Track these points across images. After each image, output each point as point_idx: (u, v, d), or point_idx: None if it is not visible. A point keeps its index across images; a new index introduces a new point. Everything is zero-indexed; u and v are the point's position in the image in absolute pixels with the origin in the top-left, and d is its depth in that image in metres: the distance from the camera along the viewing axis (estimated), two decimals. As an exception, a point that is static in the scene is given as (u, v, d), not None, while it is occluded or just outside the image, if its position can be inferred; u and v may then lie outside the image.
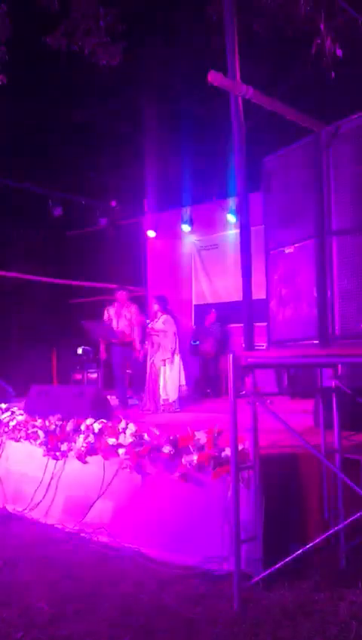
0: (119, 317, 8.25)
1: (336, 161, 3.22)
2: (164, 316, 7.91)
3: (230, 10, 4.06)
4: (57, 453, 5.18)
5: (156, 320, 7.96)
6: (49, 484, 5.19)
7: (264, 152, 3.80)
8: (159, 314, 7.95)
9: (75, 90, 12.33)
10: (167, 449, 4.35)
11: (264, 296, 3.71)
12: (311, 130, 3.70)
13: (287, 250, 3.40)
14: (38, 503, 5.18)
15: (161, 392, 7.65)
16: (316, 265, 3.22)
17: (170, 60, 11.74)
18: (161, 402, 7.60)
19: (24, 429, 5.62)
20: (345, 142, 3.19)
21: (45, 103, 12.29)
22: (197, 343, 9.83)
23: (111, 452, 4.72)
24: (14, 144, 12.23)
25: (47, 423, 5.42)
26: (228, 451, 3.84)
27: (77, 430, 5.14)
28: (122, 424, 4.90)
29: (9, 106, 10.60)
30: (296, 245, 3.34)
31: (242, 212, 3.94)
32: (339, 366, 4.27)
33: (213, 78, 3.63)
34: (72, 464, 5.08)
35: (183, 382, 7.91)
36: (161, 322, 7.87)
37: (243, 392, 3.79)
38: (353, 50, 6.74)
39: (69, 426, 5.21)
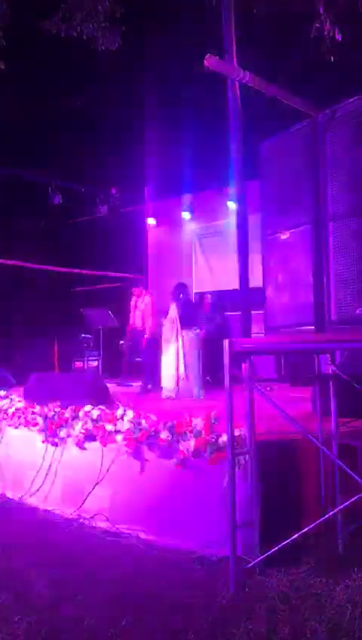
0: (135, 309, 8.95)
1: (333, 146, 3.19)
2: (173, 304, 8.08)
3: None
4: (56, 440, 5.20)
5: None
6: (48, 470, 5.21)
7: (265, 138, 3.77)
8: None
9: (74, 76, 12.23)
10: (164, 435, 4.36)
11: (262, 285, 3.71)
12: (310, 114, 3.66)
13: (283, 236, 3.39)
14: (38, 489, 5.21)
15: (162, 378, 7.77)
16: (312, 250, 3.20)
17: (169, 45, 11.62)
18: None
19: (23, 415, 5.63)
20: (342, 126, 3.16)
21: (44, 90, 12.19)
22: (197, 330, 9.82)
23: (109, 438, 4.74)
24: (13, 131, 12.16)
25: (45, 410, 5.43)
26: (225, 437, 3.84)
27: (75, 417, 5.15)
28: (120, 410, 4.91)
29: (7, 92, 10.53)
30: (292, 231, 3.33)
31: (239, 198, 3.92)
32: (338, 352, 4.27)
33: (210, 62, 3.59)
34: (71, 450, 5.09)
35: (182, 371, 7.92)
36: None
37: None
38: (352, 33, 6.66)
39: (68, 413, 5.22)
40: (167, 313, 8.15)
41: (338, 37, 6.26)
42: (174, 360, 7.79)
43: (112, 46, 7.81)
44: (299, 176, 3.33)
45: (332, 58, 6.60)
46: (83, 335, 11.88)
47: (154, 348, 8.49)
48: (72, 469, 5.07)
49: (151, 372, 8.60)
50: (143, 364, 8.80)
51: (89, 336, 11.78)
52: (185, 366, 7.87)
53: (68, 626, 3.07)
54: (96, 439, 4.86)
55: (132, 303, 9.04)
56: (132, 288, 9.30)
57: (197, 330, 9.41)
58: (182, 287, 8.54)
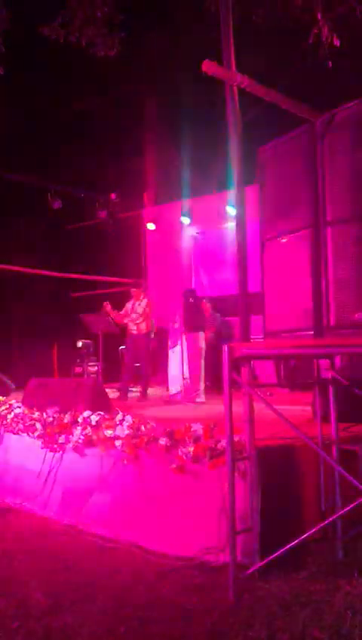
0: (133, 311, 8.63)
1: (331, 151, 3.20)
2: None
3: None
4: (55, 446, 5.19)
5: None
6: (47, 476, 5.20)
7: (263, 143, 3.78)
8: None
9: (74, 82, 12.28)
10: (163, 441, 4.34)
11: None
12: (308, 119, 3.66)
13: (282, 241, 3.39)
14: (36, 495, 5.19)
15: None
16: (311, 255, 3.20)
17: (168, 50, 11.67)
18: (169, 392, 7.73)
19: (22, 421, 5.62)
20: (340, 130, 3.16)
21: (44, 95, 12.24)
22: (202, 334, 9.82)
23: (108, 444, 4.72)
24: (13, 137, 12.19)
25: (44, 416, 5.42)
26: (224, 442, 3.83)
27: (74, 422, 5.14)
28: (119, 416, 4.90)
29: (7, 98, 10.56)
30: (291, 235, 3.33)
31: (238, 203, 3.92)
32: (338, 357, 4.26)
33: (208, 67, 3.60)
34: (70, 456, 5.08)
35: (186, 374, 7.91)
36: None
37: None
38: (351, 39, 6.69)
39: (67, 419, 5.21)
40: (175, 318, 8.16)
41: (337, 42, 6.28)
42: (179, 363, 7.80)
43: (111, 52, 7.81)
44: (298, 180, 3.33)
45: (330, 64, 6.63)
46: (82, 340, 11.87)
47: (139, 350, 8.50)
48: (71, 475, 5.05)
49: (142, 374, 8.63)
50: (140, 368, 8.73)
51: (88, 341, 11.77)
52: (189, 369, 7.88)
53: (67, 633, 3.05)
54: (96, 445, 4.84)
55: (128, 304, 8.71)
56: (131, 289, 8.94)
57: (202, 334, 9.44)
58: (190, 293, 8.51)
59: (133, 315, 8.55)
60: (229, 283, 10.64)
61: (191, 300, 8.34)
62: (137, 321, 8.52)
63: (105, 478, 4.73)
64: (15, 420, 5.72)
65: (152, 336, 9.94)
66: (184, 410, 6.88)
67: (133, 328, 8.58)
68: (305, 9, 6.53)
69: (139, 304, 8.63)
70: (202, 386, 7.90)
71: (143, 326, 8.54)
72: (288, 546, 3.49)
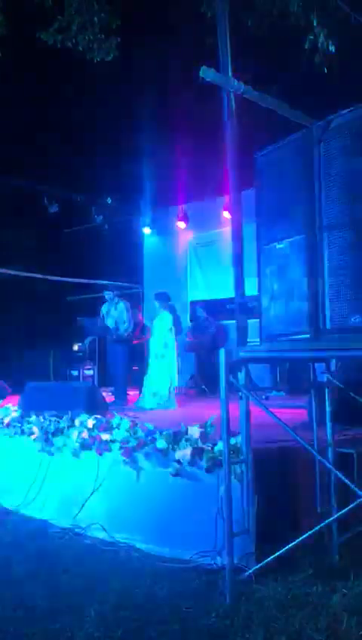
0: (108, 315, 8.53)
1: (327, 157, 3.23)
2: (161, 313, 8.01)
3: (222, 4, 4.07)
4: (52, 449, 5.20)
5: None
6: (44, 479, 5.20)
7: (261, 148, 3.81)
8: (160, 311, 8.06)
9: (71, 87, 12.31)
10: (160, 444, 4.36)
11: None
12: (306, 125, 3.70)
13: (279, 246, 3.42)
14: (34, 499, 5.19)
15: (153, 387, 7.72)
16: (307, 260, 3.23)
17: (165, 56, 11.71)
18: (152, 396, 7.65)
19: (19, 425, 5.62)
20: (336, 137, 3.20)
21: (40, 100, 12.27)
22: (193, 339, 9.84)
23: (105, 447, 4.74)
24: (9, 141, 12.20)
25: (41, 419, 5.42)
26: (221, 445, 3.85)
27: (71, 426, 5.15)
28: (116, 419, 4.92)
29: (3, 102, 10.58)
30: (288, 241, 3.36)
31: (234, 207, 3.95)
32: (334, 360, 4.29)
33: (205, 73, 3.63)
34: (67, 460, 5.09)
35: (175, 382, 7.85)
36: (158, 319, 7.99)
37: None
38: (349, 45, 6.73)
39: (64, 422, 5.22)
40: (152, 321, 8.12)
41: (332, 49, 6.32)
42: (168, 369, 7.75)
43: (107, 57, 7.83)
44: (294, 186, 3.36)
45: (326, 69, 6.67)
46: (79, 344, 11.88)
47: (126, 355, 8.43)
48: (68, 479, 5.06)
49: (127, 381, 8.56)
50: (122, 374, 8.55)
51: (85, 345, 11.78)
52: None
53: (65, 636, 3.06)
54: (92, 448, 4.85)
55: (104, 310, 8.59)
56: (105, 293, 8.77)
57: (190, 339, 9.45)
58: (166, 296, 8.37)
59: (109, 320, 8.43)
60: (225, 287, 10.64)
61: (169, 302, 8.29)
62: (112, 326, 8.37)
63: (101, 481, 4.74)
64: (12, 423, 5.73)
65: (145, 337, 9.95)
66: (181, 414, 6.90)
67: (112, 332, 8.42)
68: (301, 15, 6.56)
69: (115, 308, 8.48)
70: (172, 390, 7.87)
71: (121, 330, 8.36)
72: (285, 549, 3.51)
